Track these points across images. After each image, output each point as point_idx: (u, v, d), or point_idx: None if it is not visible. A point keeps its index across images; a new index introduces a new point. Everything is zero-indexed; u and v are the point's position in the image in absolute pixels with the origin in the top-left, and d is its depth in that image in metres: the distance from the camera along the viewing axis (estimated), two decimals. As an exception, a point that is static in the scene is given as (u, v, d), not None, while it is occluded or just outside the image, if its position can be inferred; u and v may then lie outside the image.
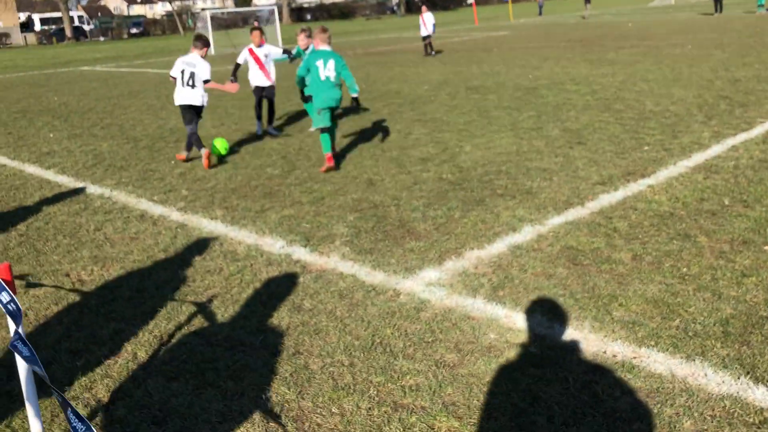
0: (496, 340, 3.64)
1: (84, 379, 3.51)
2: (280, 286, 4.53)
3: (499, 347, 3.56)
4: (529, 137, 8.52)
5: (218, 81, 9.64)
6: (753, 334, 3.51)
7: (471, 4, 77.59)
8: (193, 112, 8.30)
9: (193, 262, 5.05)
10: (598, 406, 3.00)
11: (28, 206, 6.90)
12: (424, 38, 21.73)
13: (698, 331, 3.58)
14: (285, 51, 10.31)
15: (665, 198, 5.80)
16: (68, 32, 65.11)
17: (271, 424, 3.04)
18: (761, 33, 20.99)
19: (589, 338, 3.58)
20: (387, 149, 8.43)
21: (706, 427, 2.82)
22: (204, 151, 8.01)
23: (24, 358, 2.16)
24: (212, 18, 33.71)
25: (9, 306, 2.45)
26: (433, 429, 2.93)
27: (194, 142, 8.24)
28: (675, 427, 2.83)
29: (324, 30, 7.71)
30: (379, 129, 9.73)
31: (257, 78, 9.85)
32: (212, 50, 30.13)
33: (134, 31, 68.59)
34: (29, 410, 2.65)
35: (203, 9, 54.04)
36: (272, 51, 9.96)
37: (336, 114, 7.86)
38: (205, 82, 8.20)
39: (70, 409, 1.81)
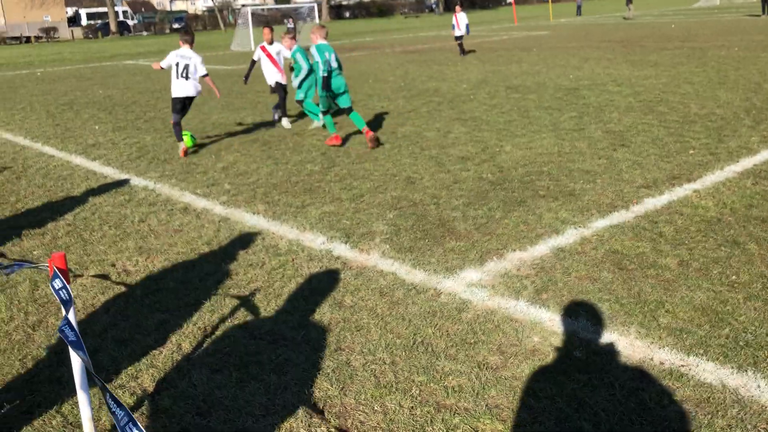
0: (539, 343, 3.60)
1: (130, 368, 3.57)
2: (322, 282, 4.55)
3: (543, 351, 3.52)
4: (570, 138, 8.41)
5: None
6: (807, 345, 3.40)
7: (510, 3, 76.95)
8: (186, 103, 8.81)
9: (236, 256, 5.10)
10: (646, 414, 2.94)
11: (75, 196, 7.05)
12: (457, 38, 21.55)
13: (749, 341, 3.49)
14: (291, 68, 10.44)
15: (712, 203, 5.67)
16: (113, 27, 66.37)
17: (314, 419, 3.05)
18: (812, 36, 20.37)
19: (635, 344, 3.52)
20: (426, 147, 8.40)
21: (758, 440, 2.75)
22: (182, 146, 8.70)
23: (69, 342, 2.20)
24: (252, 14, 34.01)
25: (61, 293, 2.51)
26: (477, 431, 2.91)
27: (175, 132, 8.78)
28: (726, 438, 2.77)
29: (323, 26, 8.85)
30: (418, 127, 9.72)
31: (271, 74, 10.58)
32: (252, 46, 30.41)
33: (176, 26, 69.58)
34: (80, 396, 2.70)
35: (244, 5, 54.56)
36: (283, 50, 10.58)
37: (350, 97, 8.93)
38: (203, 76, 8.79)
39: (108, 394, 1.84)
